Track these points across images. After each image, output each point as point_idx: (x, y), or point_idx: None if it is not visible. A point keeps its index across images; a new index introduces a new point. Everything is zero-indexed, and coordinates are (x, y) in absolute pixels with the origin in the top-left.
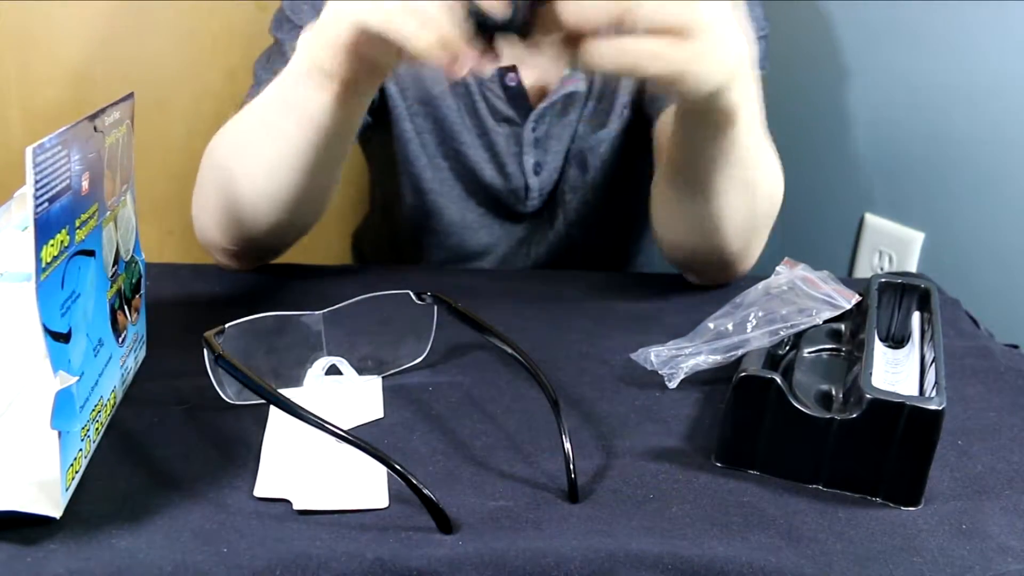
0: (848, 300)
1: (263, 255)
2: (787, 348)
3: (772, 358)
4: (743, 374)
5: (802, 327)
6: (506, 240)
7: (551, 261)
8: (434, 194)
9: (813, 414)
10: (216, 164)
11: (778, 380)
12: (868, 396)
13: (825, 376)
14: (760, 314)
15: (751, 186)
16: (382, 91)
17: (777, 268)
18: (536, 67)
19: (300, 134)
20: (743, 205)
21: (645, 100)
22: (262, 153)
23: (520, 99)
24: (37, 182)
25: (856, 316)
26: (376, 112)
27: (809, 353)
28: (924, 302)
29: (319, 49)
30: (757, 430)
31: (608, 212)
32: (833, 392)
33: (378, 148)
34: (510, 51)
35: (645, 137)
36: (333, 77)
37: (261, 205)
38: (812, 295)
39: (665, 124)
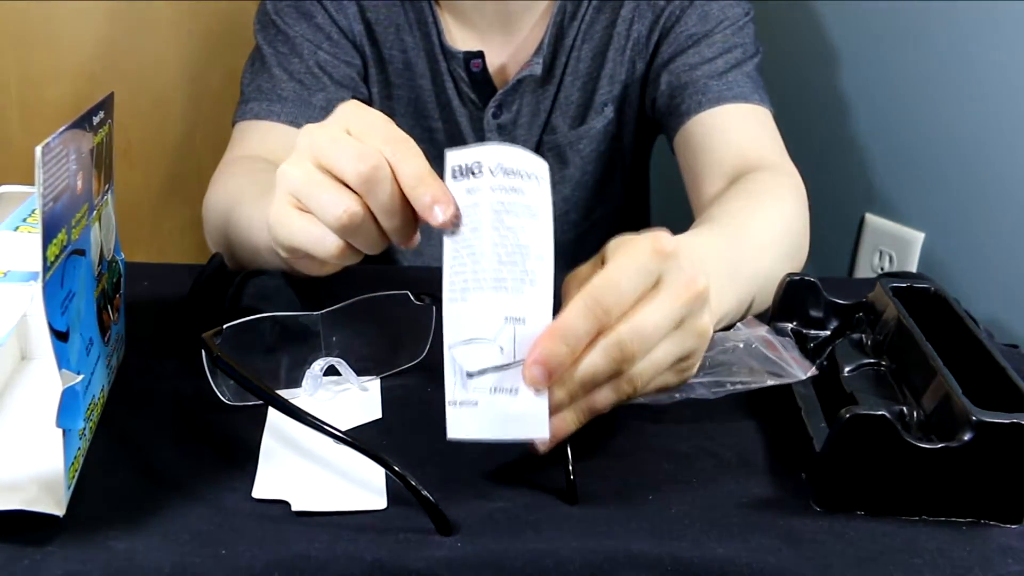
0: (804, 371)
1: None
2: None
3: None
4: (851, 414)
5: (752, 387)
6: None
7: None
8: None
9: (925, 446)
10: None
11: (888, 416)
12: (976, 419)
13: (885, 396)
14: (706, 363)
15: (759, 277)
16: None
17: (738, 324)
18: (502, 55)
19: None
20: (764, 289)
21: (656, 108)
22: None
23: (484, 85)
24: (44, 181)
25: (868, 322)
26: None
27: (850, 372)
28: (927, 305)
29: None
30: (865, 470)
31: (592, 210)
32: (905, 413)
33: None
34: (476, 37)
35: (638, 137)
36: None
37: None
38: (767, 358)
39: (690, 136)
